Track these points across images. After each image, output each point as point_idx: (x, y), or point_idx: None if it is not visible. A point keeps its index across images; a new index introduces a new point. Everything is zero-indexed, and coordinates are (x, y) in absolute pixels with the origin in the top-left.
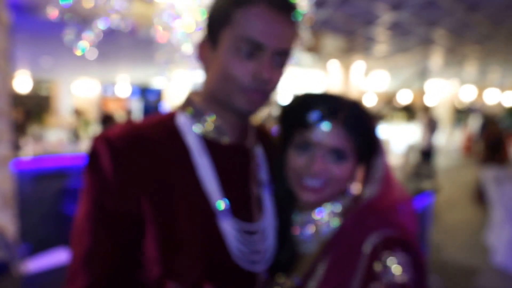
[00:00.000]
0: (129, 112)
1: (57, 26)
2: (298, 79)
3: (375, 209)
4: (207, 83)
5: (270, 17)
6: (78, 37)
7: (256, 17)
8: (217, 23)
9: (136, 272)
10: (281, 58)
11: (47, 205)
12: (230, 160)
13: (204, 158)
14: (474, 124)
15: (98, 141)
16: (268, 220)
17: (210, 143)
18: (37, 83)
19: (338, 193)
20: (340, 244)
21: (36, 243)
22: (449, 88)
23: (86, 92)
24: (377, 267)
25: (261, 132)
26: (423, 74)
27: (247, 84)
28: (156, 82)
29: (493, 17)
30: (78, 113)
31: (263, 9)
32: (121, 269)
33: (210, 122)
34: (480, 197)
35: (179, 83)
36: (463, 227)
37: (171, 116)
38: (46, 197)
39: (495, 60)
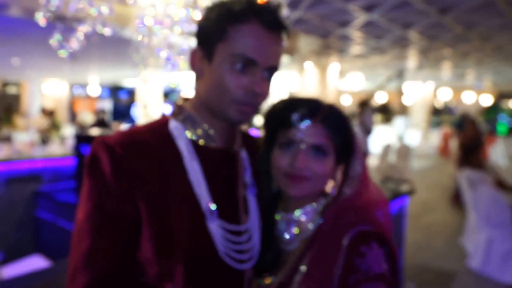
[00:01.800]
0: (101, 112)
1: (26, 26)
2: (275, 80)
3: (353, 206)
4: (199, 91)
5: (262, 36)
6: (64, 40)
7: (250, 35)
8: (211, 37)
9: (135, 272)
10: (270, 72)
11: (19, 210)
12: (218, 163)
13: (195, 162)
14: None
15: (97, 146)
16: (253, 221)
17: (200, 148)
18: (5, 84)
19: (319, 192)
20: (321, 239)
21: (9, 250)
22: (426, 89)
23: (56, 92)
24: (355, 259)
25: (246, 136)
26: (400, 75)
27: (240, 97)
28: (127, 82)
29: (463, 20)
30: (46, 113)
31: (256, 28)
32: (120, 269)
33: (200, 128)
34: (457, 199)
35: (152, 83)
36: (440, 230)
37: (164, 122)
38: (18, 201)
39: (470, 63)
